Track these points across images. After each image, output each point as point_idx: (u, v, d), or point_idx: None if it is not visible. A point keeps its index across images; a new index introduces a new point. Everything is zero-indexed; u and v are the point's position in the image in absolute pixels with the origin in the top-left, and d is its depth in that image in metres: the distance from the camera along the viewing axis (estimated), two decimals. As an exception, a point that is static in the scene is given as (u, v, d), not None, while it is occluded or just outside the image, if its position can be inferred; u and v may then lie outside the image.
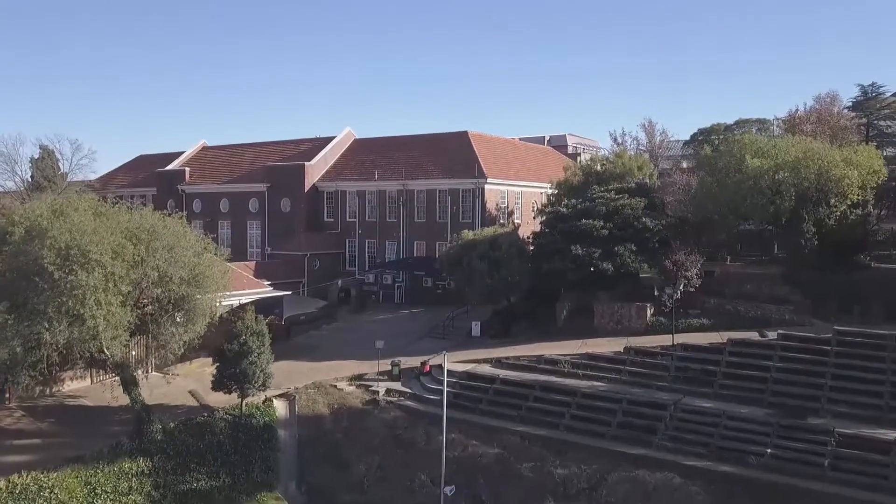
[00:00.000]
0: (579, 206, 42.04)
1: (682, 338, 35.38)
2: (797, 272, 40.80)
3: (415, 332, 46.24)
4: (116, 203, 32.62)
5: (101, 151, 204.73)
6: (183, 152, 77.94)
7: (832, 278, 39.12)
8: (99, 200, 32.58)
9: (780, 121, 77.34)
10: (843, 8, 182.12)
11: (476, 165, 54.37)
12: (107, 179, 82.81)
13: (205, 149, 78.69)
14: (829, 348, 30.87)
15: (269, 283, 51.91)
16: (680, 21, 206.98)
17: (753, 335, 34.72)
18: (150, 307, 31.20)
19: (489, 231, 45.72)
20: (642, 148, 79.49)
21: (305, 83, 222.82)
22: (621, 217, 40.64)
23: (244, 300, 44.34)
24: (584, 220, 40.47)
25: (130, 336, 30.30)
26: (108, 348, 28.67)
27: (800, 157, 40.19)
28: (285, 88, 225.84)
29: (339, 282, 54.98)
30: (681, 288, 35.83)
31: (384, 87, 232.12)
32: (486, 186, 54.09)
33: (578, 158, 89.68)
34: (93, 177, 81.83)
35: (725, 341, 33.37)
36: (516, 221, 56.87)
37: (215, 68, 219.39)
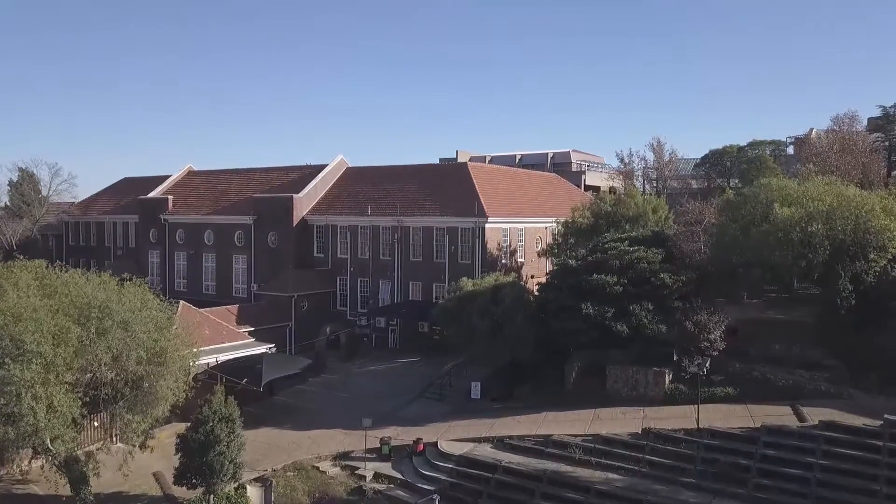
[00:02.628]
0: (589, 258, 38.17)
1: (705, 411, 31.42)
2: (831, 332, 36.86)
3: (409, 390, 42.34)
4: (67, 269, 28.85)
5: (86, 171, 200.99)
6: (168, 176, 74.16)
7: (872, 341, 35.22)
8: (47, 266, 28.81)
9: (794, 139, 73.77)
10: (855, 23, 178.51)
11: (476, 203, 50.46)
12: (88, 204, 79.13)
13: (190, 174, 74.81)
14: (880, 444, 26.84)
15: (253, 328, 48.38)
16: (686, 35, 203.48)
17: (787, 412, 30.84)
18: (104, 391, 27.50)
19: (490, 280, 41.77)
20: (650, 168, 75.84)
21: (301, 94, 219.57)
22: (636, 272, 36.75)
23: (221, 357, 40.66)
24: (595, 275, 36.63)
25: (83, 417, 26.90)
26: (51, 445, 25.09)
27: (833, 206, 36.42)
28: (278, 103, 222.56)
29: (328, 329, 51.10)
30: (707, 365, 31.86)
31: (381, 99, 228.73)
32: (487, 225, 50.21)
33: (583, 177, 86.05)
34: (73, 201, 78.48)
35: (759, 427, 29.34)
36: (519, 261, 53.01)
37: (210, 83, 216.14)
